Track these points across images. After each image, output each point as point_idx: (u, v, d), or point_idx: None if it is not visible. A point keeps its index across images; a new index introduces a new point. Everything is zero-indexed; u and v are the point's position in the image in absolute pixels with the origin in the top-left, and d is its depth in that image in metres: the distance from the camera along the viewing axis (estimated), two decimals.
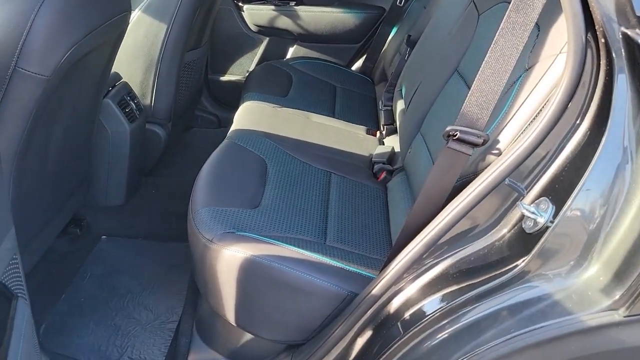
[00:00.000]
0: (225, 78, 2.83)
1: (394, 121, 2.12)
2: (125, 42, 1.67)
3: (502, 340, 0.94)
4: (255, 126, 1.95)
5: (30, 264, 1.56)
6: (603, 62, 0.93)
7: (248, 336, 1.47)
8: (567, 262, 0.93)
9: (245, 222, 1.40)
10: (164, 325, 1.71)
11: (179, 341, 1.62)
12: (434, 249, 1.11)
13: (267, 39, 2.75)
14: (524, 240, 1.00)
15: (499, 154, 1.14)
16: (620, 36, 0.90)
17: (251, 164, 1.69)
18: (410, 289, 1.12)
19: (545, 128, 0.99)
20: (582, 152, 0.96)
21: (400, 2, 2.55)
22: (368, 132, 2.16)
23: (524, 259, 0.98)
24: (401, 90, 2.04)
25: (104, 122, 1.85)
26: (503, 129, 1.15)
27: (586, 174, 0.93)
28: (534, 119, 1.10)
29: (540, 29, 1.18)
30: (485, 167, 1.16)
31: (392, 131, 2.12)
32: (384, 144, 2.08)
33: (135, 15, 1.99)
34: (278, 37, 2.75)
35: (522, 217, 1.01)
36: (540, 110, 1.09)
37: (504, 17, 1.05)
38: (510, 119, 1.13)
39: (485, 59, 1.07)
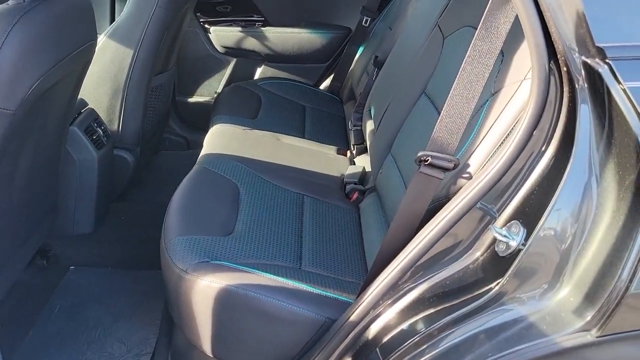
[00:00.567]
0: (193, 100, 2.81)
1: (364, 141, 2.14)
2: (91, 68, 1.65)
3: None
4: (226, 150, 1.94)
5: None
6: (566, 89, 0.96)
7: None
8: (540, 285, 0.95)
9: (219, 250, 1.39)
10: (137, 358, 1.67)
11: None
12: (410, 274, 1.12)
13: (235, 59, 2.75)
14: (498, 263, 1.02)
15: (470, 178, 1.16)
16: (581, 65, 0.93)
17: (223, 189, 1.68)
18: (388, 314, 1.13)
19: (513, 153, 1.02)
20: (550, 176, 0.99)
21: (365, 23, 2.58)
22: (339, 152, 2.17)
23: (498, 281, 1.00)
24: (370, 110, 2.06)
25: (71, 150, 1.82)
26: (473, 152, 1.17)
27: (555, 197, 0.95)
28: (502, 142, 1.13)
29: (505, 55, 1.21)
30: (457, 191, 1.18)
31: (362, 150, 2.14)
32: (354, 164, 2.10)
33: (101, 40, 1.96)
34: (245, 57, 2.75)
35: (495, 240, 1.03)
36: (508, 134, 1.12)
37: (470, 45, 1.08)
38: (479, 143, 1.16)
39: (453, 85, 1.10)
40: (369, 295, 1.14)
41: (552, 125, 0.99)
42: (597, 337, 0.89)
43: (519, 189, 1.02)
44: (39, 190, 1.65)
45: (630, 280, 0.86)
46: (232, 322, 1.30)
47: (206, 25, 2.70)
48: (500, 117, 1.13)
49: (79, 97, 1.77)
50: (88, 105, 1.94)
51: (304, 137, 2.21)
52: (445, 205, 1.10)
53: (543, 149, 1.00)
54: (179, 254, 1.36)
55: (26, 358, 1.65)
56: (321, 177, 1.94)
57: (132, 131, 2.11)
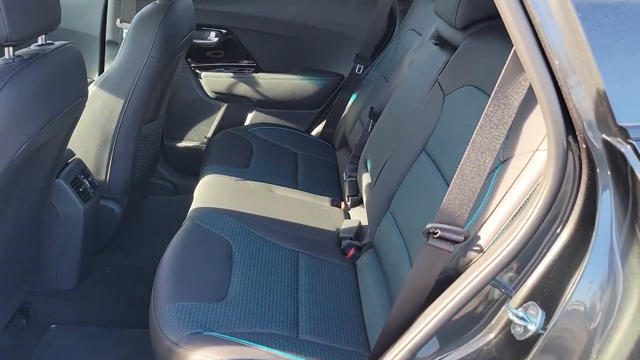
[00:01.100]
0: (183, 144, 2.75)
1: (358, 192, 2.09)
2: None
3: None
4: (218, 203, 1.88)
5: None
6: (585, 167, 0.92)
7: None
8: None
9: (212, 319, 1.31)
10: None
11: None
12: (419, 354, 1.05)
13: (226, 105, 2.71)
14: (514, 347, 0.96)
15: (481, 251, 1.11)
16: (602, 144, 0.89)
17: (215, 248, 1.61)
18: None
19: (530, 229, 0.97)
20: (569, 256, 0.94)
21: (358, 70, 2.56)
22: (333, 204, 2.12)
23: None
24: (366, 162, 2.02)
25: (56, 203, 1.74)
26: (483, 224, 1.12)
27: (575, 280, 0.91)
28: (515, 215, 1.08)
29: (514, 122, 1.18)
30: (467, 263, 1.13)
31: (357, 202, 2.09)
32: (349, 216, 2.04)
33: (91, 90, 1.91)
34: (236, 103, 2.71)
35: (510, 321, 0.97)
36: (521, 207, 1.07)
37: (482, 114, 1.04)
38: (490, 215, 1.11)
39: (464, 156, 1.06)
40: None
41: (570, 202, 0.95)
42: None
43: (536, 267, 0.97)
44: (22, 247, 1.56)
45: None
46: None
47: (197, 70, 2.66)
48: (512, 189, 1.09)
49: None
50: (75, 155, 1.87)
51: (297, 188, 2.15)
52: (457, 281, 1.04)
53: (561, 226, 0.95)
54: (169, 323, 1.28)
55: None
56: (316, 231, 1.88)
57: (120, 181, 2.04)
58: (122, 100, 1.92)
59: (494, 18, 1.61)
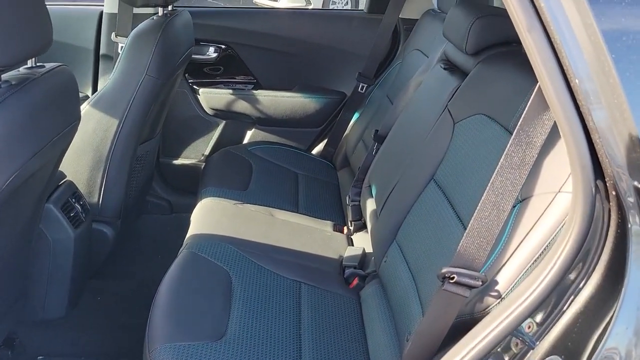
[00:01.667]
0: (179, 162, 2.68)
1: (361, 217, 2.03)
2: None
3: None
4: (216, 229, 1.80)
5: None
6: (614, 214, 0.86)
7: None
8: None
9: None
10: None
11: None
12: None
13: (224, 122, 2.64)
14: None
15: (499, 296, 1.04)
16: (634, 191, 0.83)
17: (214, 279, 1.54)
18: None
19: (555, 277, 0.91)
20: (597, 308, 0.88)
21: (361, 89, 2.50)
22: (335, 229, 2.05)
23: None
24: (370, 187, 1.95)
25: (45, 229, 1.66)
26: (501, 268, 1.06)
27: (605, 335, 0.84)
28: (535, 260, 1.01)
29: None
30: (484, 309, 1.06)
31: (361, 227, 2.02)
32: (352, 242, 1.97)
33: (83, 110, 1.83)
34: (235, 120, 2.64)
35: None
36: (542, 251, 1.00)
37: (503, 154, 0.98)
38: (509, 258, 1.05)
39: (483, 198, 1.00)
40: None
41: (598, 250, 0.88)
42: None
43: (560, 318, 0.91)
44: (8, 276, 1.48)
45: None
46: None
47: (195, 86, 2.59)
48: (533, 231, 1.02)
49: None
50: (66, 177, 1.79)
51: (298, 211, 2.08)
52: (474, 330, 0.98)
53: (587, 276, 0.89)
54: None
55: None
56: (318, 259, 1.80)
57: (113, 204, 1.96)
58: (117, 121, 1.84)
59: (507, 44, 1.55)
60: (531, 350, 0.93)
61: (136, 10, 2.29)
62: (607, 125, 0.82)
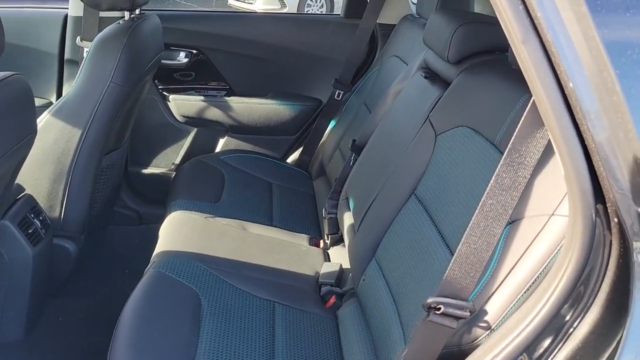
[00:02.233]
0: (148, 171, 2.56)
1: (339, 230, 1.95)
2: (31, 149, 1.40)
3: None
4: (185, 245, 1.70)
5: None
6: (616, 242, 0.79)
7: None
8: None
9: None
10: None
11: None
12: None
13: (195, 129, 2.53)
14: None
15: (488, 327, 0.97)
16: (637, 218, 0.76)
17: (182, 302, 1.44)
18: None
19: (550, 312, 0.84)
20: (597, 344, 0.81)
21: (338, 96, 2.42)
22: (311, 242, 1.96)
23: None
24: (348, 199, 1.87)
25: (1, 248, 1.54)
26: (490, 297, 0.98)
27: None
28: (527, 289, 0.94)
29: None
30: (472, 341, 0.99)
31: (337, 240, 1.94)
32: (329, 257, 1.89)
33: (44, 119, 1.72)
34: (207, 128, 2.54)
35: None
36: (535, 280, 0.94)
37: (493, 176, 0.91)
38: (499, 286, 0.98)
39: (471, 221, 0.92)
40: None
41: (599, 281, 0.82)
42: None
43: (556, 354, 0.84)
44: None
45: None
46: None
47: (165, 93, 2.48)
48: (524, 258, 0.95)
49: (15, 181, 1.52)
50: (25, 191, 1.68)
51: (272, 224, 1.99)
52: None
53: (586, 308, 0.82)
54: None
55: None
56: (293, 277, 1.72)
57: (76, 218, 1.84)
58: (80, 130, 1.73)
59: (491, 52, 1.49)
60: None
61: (103, 14, 2.18)
62: (610, 146, 0.75)
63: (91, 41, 1.83)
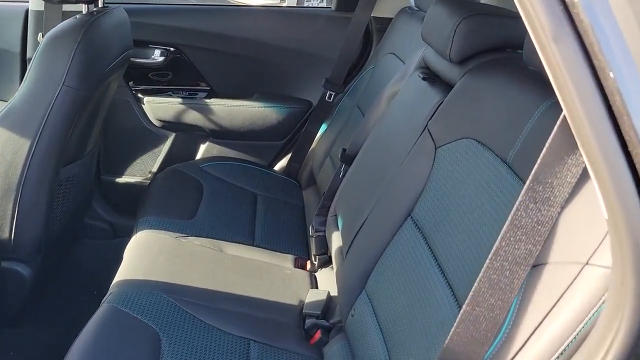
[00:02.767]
0: (123, 180, 2.35)
1: (327, 250, 1.73)
2: None
3: None
4: (149, 272, 1.49)
5: None
6: None
7: None
8: None
9: None
10: None
11: None
12: None
13: (174, 134, 2.31)
14: None
15: None
16: None
17: (137, 343, 1.23)
18: None
19: None
20: None
21: (329, 97, 2.20)
22: (296, 264, 1.75)
23: None
24: (337, 218, 1.65)
25: None
26: None
27: None
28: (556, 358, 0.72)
29: None
30: None
31: (326, 261, 1.73)
32: (316, 281, 1.68)
33: None
34: (186, 132, 2.32)
35: None
36: (565, 349, 0.72)
37: (511, 213, 0.69)
38: (517, 354, 0.75)
39: (481, 274, 0.71)
40: None
41: None
42: None
43: None
44: None
45: None
46: None
47: (139, 95, 2.27)
48: (549, 319, 0.73)
49: None
50: None
51: (253, 243, 1.78)
52: None
53: None
54: None
55: None
56: (274, 307, 1.50)
57: (30, 239, 1.63)
58: (29, 141, 1.52)
59: (500, 50, 1.27)
60: None
61: (67, 8, 1.96)
62: None
63: None
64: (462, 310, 0.72)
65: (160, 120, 2.28)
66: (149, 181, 2.32)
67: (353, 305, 1.33)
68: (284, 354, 1.35)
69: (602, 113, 0.56)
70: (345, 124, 2.08)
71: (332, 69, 2.18)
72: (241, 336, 1.34)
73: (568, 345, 0.71)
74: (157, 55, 2.23)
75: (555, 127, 0.66)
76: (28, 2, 2.08)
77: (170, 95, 2.28)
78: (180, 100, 2.27)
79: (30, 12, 2.07)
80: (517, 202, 0.68)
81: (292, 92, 2.34)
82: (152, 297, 1.36)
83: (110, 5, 1.83)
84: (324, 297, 1.53)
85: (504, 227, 0.69)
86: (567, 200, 0.71)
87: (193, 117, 2.28)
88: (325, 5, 2.55)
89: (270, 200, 2.09)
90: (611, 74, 0.54)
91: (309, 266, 1.75)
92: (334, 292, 1.54)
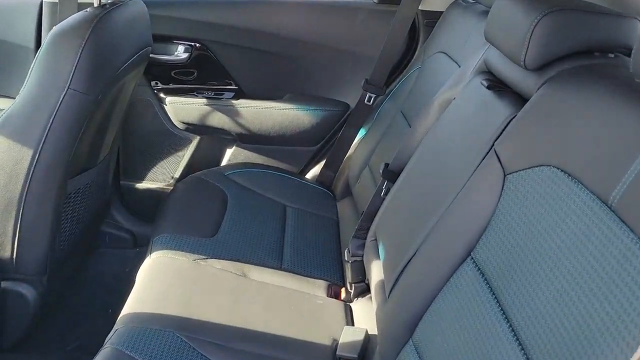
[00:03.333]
0: (143, 186, 2.18)
1: (365, 277, 1.52)
2: None
3: None
4: (161, 304, 1.31)
5: None
6: None
7: None
8: None
9: None
10: None
11: None
12: None
13: (198, 138, 2.14)
14: None
15: None
16: None
17: None
18: None
19: None
20: None
21: (369, 100, 1.98)
22: (329, 292, 1.54)
23: None
24: (377, 241, 1.44)
25: None
26: None
27: None
28: None
29: None
30: None
31: (364, 290, 1.52)
32: (352, 316, 1.47)
33: None
34: (212, 136, 2.14)
35: None
36: None
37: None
38: None
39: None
40: None
41: None
42: None
43: None
44: None
45: None
46: None
47: (161, 95, 2.09)
48: None
49: None
50: None
51: (281, 267, 1.58)
52: None
53: None
54: None
55: None
56: (302, 349, 1.30)
57: (34, 257, 1.47)
58: (31, 150, 1.35)
59: (588, 53, 1.02)
60: None
61: None
62: None
63: None
64: None
65: (184, 123, 2.10)
66: (171, 187, 2.16)
67: (397, 356, 1.11)
68: None
69: None
70: (387, 131, 1.86)
71: (373, 68, 1.96)
72: None
73: None
74: (180, 52, 2.04)
75: None
76: None
77: (194, 96, 2.10)
78: (205, 100, 2.08)
79: (44, 4, 1.91)
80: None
81: (327, 93, 2.13)
82: (162, 337, 1.18)
83: None
84: (361, 337, 1.32)
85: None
86: None
87: (219, 119, 2.09)
88: None
89: (301, 214, 1.88)
90: None
91: (343, 295, 1.55)
92: (372, 329, 1.33)
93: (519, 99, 1.08)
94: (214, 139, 2.15)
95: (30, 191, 1.39)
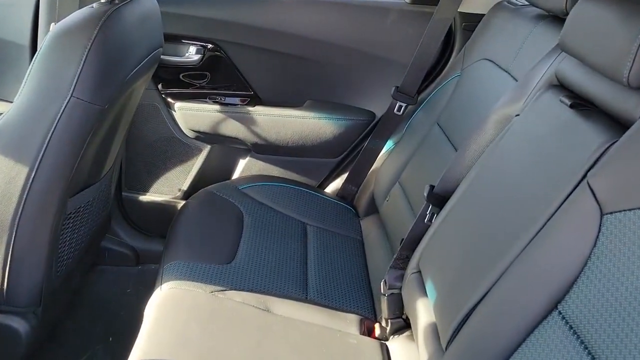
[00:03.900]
0: (148, 198, 2.01)
1: (402, 312, 1.35)
2: None
3: None
4: (175, 349, 1.13)
5: None
6: None
7: None
8: None
9: None
10: None
11: None
12: None
13: (209, 147, 1.96)
14: None
15: None
16: None
17: None
18: None
19: None
20: None
21: (398, 110, 1.81)
22: (362, 328, 1.37)
23: None
24: (420, 273, 1.27)
25: None
26: None
27: None
28: None
29: None
30: None
31: (401, 327, 1.35)
32: (388, 353, 1.30)
33: None
34: (224, 145, 1.97)
35: None
36: None
37: None
38: None
39: None
40: None
41: None
42: None
43: None
44: None
45: None
46: None
47: (170, 99, 1.91)
48: None
49: None
50: None
51: (306, 298, 1.41)
52: None
53: None
54: None
55: None
56: None
57: (25, 289, 1.29)
58: (27, 167, 1.17)
59: None
60: None
61: None
62: None
63: None
64: None
65: (193, 130, 1.92)
66: (178, 201, 1.99)
67: None
68: None
69: None
70: (421, 145, 1.68)
71: (405, 74, 1.79)
72: None
73: None
74: (192, 53, 1.86)
75: None
76: None
77: (206, 101, 1.91)
78: (217, 107, 1.90)
79: (41, 0, 1.72)
80: None
81: (352, 101, 1.95)
82: None
83: None
84: None
85: None
86: None
87: (232, 127, 1.91)
88: None
89: (323, 233, 1.72)
90: None
91: (377, 331, 1.38)
92: None
93: (614, 122, 0.91)
94: (225, 149, 1.97)
95: (25, 214, 1.20)
